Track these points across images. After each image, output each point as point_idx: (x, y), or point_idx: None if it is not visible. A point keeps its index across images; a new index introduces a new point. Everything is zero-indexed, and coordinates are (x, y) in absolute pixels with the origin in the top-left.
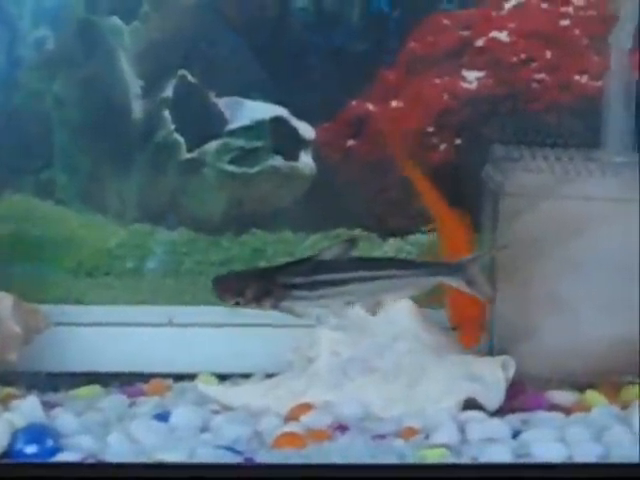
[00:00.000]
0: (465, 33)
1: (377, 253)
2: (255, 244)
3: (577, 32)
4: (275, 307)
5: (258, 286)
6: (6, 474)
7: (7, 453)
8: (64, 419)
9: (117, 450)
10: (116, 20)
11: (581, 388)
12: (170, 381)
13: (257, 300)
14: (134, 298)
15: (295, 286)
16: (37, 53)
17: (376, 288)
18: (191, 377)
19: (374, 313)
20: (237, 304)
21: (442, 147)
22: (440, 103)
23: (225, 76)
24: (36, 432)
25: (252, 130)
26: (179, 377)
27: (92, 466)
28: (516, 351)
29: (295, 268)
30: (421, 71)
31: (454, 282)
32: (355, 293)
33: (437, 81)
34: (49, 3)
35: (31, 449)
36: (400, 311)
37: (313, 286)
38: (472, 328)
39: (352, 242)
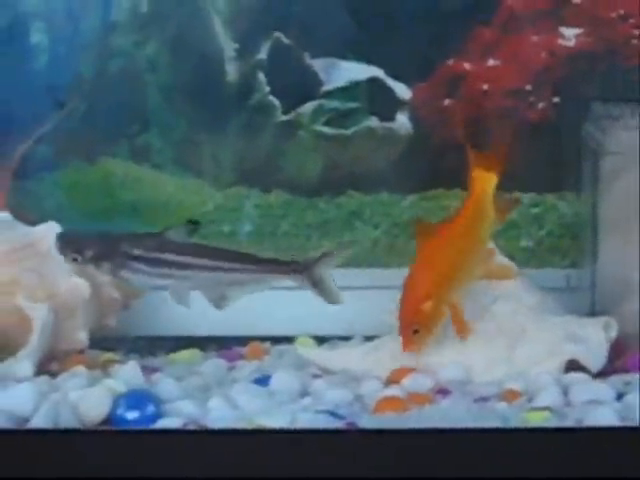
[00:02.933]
0: None
1: None
2: (351, 206)
3: None
4: (113, 274)
5: (99, 249)
6: (107, 441)
7: (108, 419)
8: (164, 384)
9: (218, 415)
10: None
11: None
12: (268, 344)
13: (95, 262)
14: None
15: (135, 258)
16: (131, 17)
17: (217, 279)
18: (289, 340)
19: (219, 307)
20: (75, 260)
21: (540, 105)
22: (538, 61)
23: (320, 37)
24: (137, 398)
25: (348, 91)
26: (277, 340)
27: (194, 432)
28: (618, 311)
29: (139, 240)
30: (518, 29)
31: (297, 282)
32: (194, 280)
33: (535, 39)
34: None
35: (132, 415)
36: None
37: (152, 262)
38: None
39: (195, 225)
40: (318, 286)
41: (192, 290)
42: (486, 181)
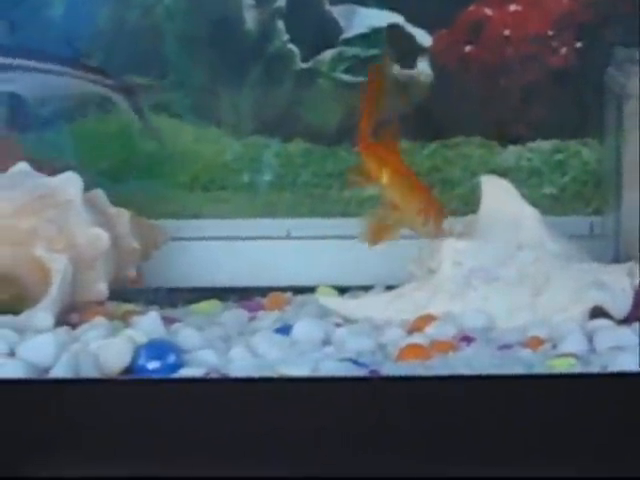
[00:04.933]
0: None
1: (497, 160)
2: None
3: None
4: None
5: None
6: (129, 390)
7: (129, 369)
8: (185, 334)
9: (240, 365)
10: None
11: None
12: (289, 295)
13: None
14: (251, 211)
15: None
16: None
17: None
18: (310, 290)
19: None
20: None
21: (563, 51)
22: (560, 5)
23: None
24: (158, 348)
25: (368, 38)
26: (298, 290)
27: (215, 381)
28: None
29: None
30: None
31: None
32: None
33: None
34: None
35: (153, 365)
36: (524, 219)
37: None
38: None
39: None
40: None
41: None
42: None
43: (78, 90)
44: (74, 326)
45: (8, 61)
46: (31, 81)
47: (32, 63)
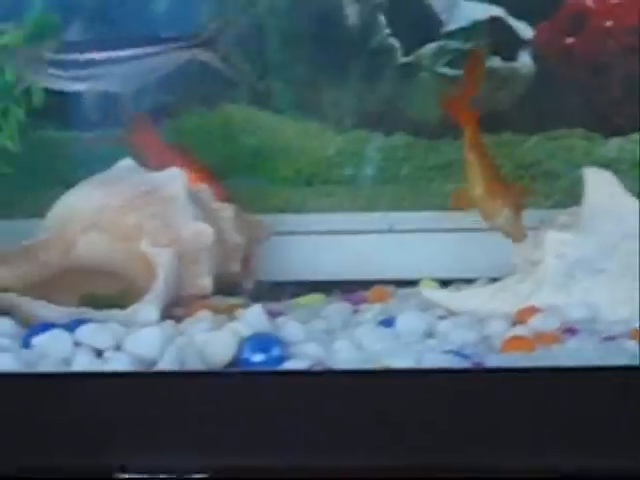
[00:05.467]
0: None
1: (600, 152)
2: None
3: None
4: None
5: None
6: (233, 383)
7: (234, 362)
8: (290, 327)
9: (344, 357)
10: None
11: None
12: (392, 288)
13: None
14: (353, 205)
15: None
16: None
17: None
18: (413, 283)
19: None
20: None
21: None
22: None
23: None
24: (263, 341)
25: (469, 31)
26: (400, 284)
27: (320, 373)
28: None
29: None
30: None
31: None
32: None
33: None
34: None
35: (258, 357)
36: (627, 210)
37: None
38: None
39: None
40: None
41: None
42: None
43: (170, 66)
44: (179, 320)
45: (91, 56)
46: (120, 73)
47: (116, 53)
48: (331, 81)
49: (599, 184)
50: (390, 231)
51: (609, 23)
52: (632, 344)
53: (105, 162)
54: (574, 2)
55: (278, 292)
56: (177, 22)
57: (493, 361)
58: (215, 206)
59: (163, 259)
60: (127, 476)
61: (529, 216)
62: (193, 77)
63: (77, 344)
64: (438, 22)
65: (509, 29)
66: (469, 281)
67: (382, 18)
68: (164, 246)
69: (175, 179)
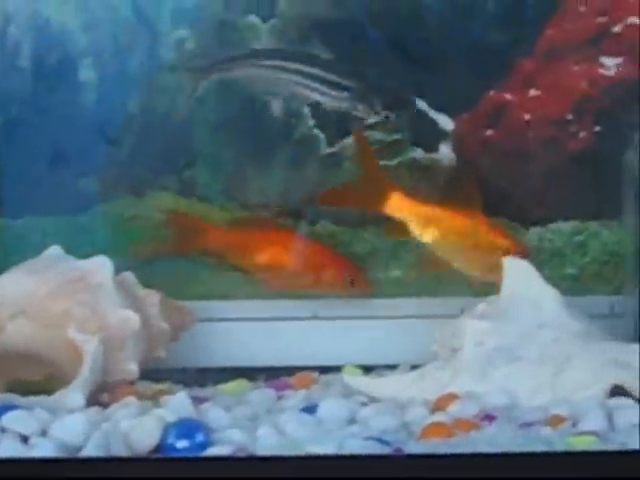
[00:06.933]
0: (602, 19)
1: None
2: None
3: None
4: None
5: None
6: (158, 469)
7: (159, 448)
8: (214, 414)
9: (267, 443)
10: (254, 18)
11: None
12: (316, 374)
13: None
14: (279, 292)
15: None
16: (177, 53)
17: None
18: (336, 370)
19: None
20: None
21: (582, 135)
22: (579, 90)
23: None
24: (187, 427)
25: (391, 123)
26: (325, 370)
27: (243, 459)
28: None
29: None
30: (559, 59)
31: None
32: None
33: (575, 68)
34: (188, 4)
35: (182, 444)
36: (545, 299)
37: None
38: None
39: None
40: None
41: None
42: None
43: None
44: (105, 406)
45: None
46: None
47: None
48: (257, 170)
49: (517, 273)
50: (314, 318)
51: (528, 116)
52: (548, 431)
53: (35, 249)
54: (494, 95)
55: (203, 378)
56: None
57: (413, 447)
58: (141, 293)
59: (90, 346)
60: None
61: (449, 304)
62: (124, 166)
63: (3, 430)
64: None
65: (430, 121)
66: (391, 367)
67: (307, 110)
68: (91, 333)
69: (101, 267)
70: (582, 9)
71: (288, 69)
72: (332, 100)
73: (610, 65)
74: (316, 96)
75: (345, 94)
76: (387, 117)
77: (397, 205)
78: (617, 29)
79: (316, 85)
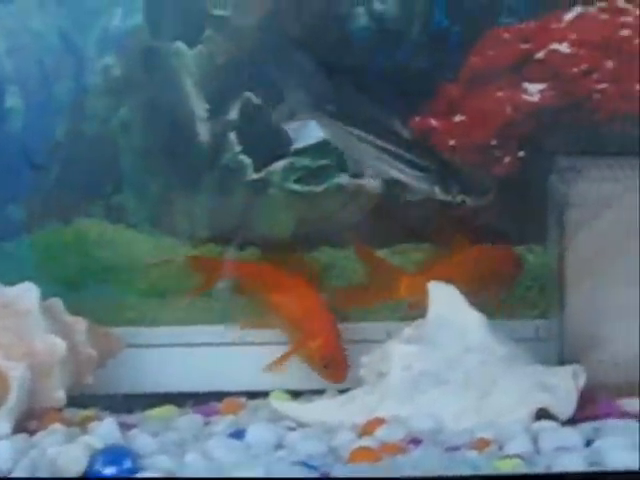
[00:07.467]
0: (525, 46)
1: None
2: (324, 261)
3: (637, 41)
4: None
5: None
6: None
7: (86, 475)
8: (141, 440)
9: (194, 469)
10: (180, 45)
11: None
12: (244, 399)
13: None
14: (206, 318)
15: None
16: (103, 80)
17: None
18: (264, 395)
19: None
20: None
21: (506, 160)
22: (502, 116)
23: (289, 96)
24: (114, 453)
25: (317, 149)
26: (252, 395)
27: None
28: (586, 360)
29: None
30: (483, 85)
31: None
32: None
33: (499, 94)
34: (114, 31)
35: (109, 470)
36: (470, 323)
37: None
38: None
39: None
40: None
41: None
42: None
43: None
44: (32, 433)
45: None
46: None
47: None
48: (184, 196)
49: (443, 298)
50: (241, 343)
51: (452, 141)
52: (474, 454)
53: None
54: (418, 121)
55: (130, 404)
56: None
57: (340, 471)
58: (68, 319)
59: (16, 372)
60: None
61: (376, 329)
62: (51, 192)
63: None
64: (287, 140)
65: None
66: (319, 392)
67: (233, 135)
68: (17, 359)
69: (28, 293)
70: (506, 36)
71: (374, 144)
72: (410, 179)
73: (533, 91)
74: (394, 173)
75: (422, 174)
76: (463, 201)
77: (410, 287)
78: (540, 55)
79: (396, 163)
